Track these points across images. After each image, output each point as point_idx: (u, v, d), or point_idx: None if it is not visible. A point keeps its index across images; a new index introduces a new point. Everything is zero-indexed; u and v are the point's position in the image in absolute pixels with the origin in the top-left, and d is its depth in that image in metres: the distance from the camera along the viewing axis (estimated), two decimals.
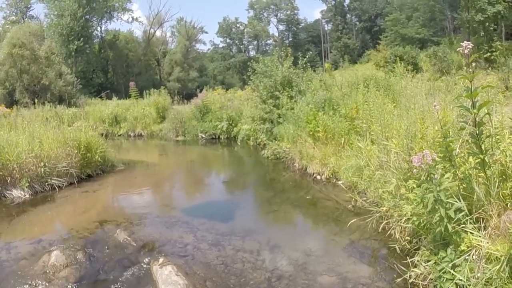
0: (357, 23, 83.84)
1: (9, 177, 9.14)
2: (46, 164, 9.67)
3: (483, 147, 4.39)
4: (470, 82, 4.31)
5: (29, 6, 60.69)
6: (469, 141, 4.65)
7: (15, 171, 9.20)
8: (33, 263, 5.56)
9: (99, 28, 59.11)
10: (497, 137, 4.71)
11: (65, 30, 48.47)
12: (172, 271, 4.94)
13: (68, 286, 4.90)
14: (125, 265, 5.54)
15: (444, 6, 55.67)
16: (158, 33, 70.76)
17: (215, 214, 8.13)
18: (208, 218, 7.56)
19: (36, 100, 23.31)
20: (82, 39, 49.62)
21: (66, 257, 5.57)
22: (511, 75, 18.74)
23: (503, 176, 4.39)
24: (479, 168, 4.47)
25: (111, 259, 5.75)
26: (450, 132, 5.23)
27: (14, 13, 59.28)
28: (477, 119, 4.38)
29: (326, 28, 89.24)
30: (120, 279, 5.11)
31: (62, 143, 10.32)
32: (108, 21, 61.19)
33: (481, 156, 4.34)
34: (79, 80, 38.53)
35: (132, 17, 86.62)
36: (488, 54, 31.05)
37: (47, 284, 4.96)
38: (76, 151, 10.49)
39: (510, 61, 21.45)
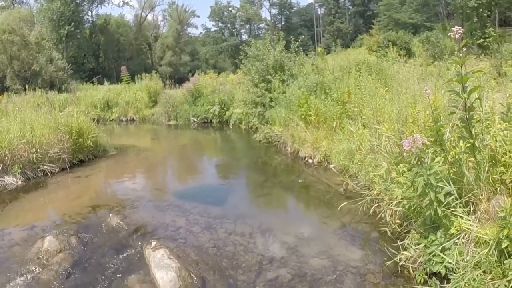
0: (350, 7, 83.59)
1: (1, 164, 9.11)
2: (38, 150, 9.64)
3: (473, 132, 4.43)
4: (461, 67, 4.33)
5: None
6: (459, 125, 4.69)
7: (7, 158, 9.17)
8: (26, 249, 5.58)
9: (89, 13, 58.44)
10: (487, 122, 4.74)
11: (55, 15, 47.86)
12: (165, 254, 4.98)
13: (62, 271, 4.93)
14: (118, 249, 5.57)
15: None
16: (149, 17, 70.08)
17: (207, 197, 8.17)
18: (200, 201, 7.61)
19: (27, 86, 23.08)
20: (72, 24, 49.05)
21: (59, 242, 5.59)
22: (503, 62, 18.76)
23: (493, 161, 4.43)
24: (469, 152, 4.51)
25: (104, 243, 5.78)
26: (441, 117, 5.26)
27: None
28: (467, 104, 4.41)
29: (319, 12, 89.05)
30: (113, 263, 5.15)
31: (54, 129, 10.29)
32: (98, 5, 60.46)
33: (471, 141, 4.38)
34: (70, 65, 38.12)
35: (123, 1, 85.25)
36: (481, 40, 30.98)
37: (41, 269, 4.99)
38: (68, 136, 10.45)
39: (503, 47, 21.48)
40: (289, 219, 6.85)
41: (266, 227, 6.18)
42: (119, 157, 12.26)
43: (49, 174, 9.68)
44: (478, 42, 30.98)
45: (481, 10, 33.59)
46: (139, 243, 5.65)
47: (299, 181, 8.85)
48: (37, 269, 4.98)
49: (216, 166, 11.97)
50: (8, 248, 5.72)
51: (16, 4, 57.62)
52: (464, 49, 4.35)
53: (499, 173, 4.29)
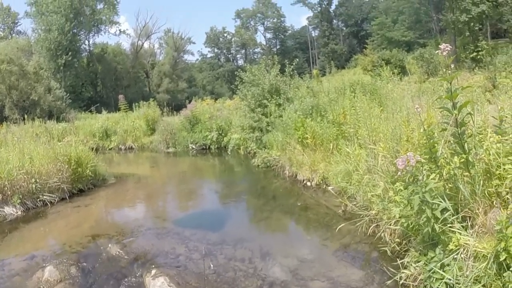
0: (344, 28, 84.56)
1: (0, 194, 9.12)
2: (37, 180, 9.64)
3: (466, 147, 4.47)
4: (450, 83, 4.39)
5: (16, 21, 60.68)
6: (452, 141, 4.73)
7: (6, 188, 9.18)
8: (27, 279, 5.57)
9: (87, 42, 58.86)
10: (480, 136, 4.79)
11: (53, 45, 48.23)
12: (165, 282, 4.98)
13: None
14: (118, 277, 5.56)
15: (429, 8, 56.05)
16: (146, 45, 70.66)
17: (206, 224, 8.17)
18: (200, 228, 7.62)
19: (25, 116, 23.26)
20: (70, 53, 49.40)
21: (59, 272, 5.59)
22: (497, 74, 18.93)
23: (488, 175, 4.47)
24: (463, 167, 4.55)
25: (104, 272, 5.77)
26: (435, 134, 5.30)
27: (1, 29, 59.24)
28: (458, 120, 4.46)
29: (313, 35, 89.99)
30: None
31: (53, 159, 10.31)
32: (95, 35, 61.22)
33: (465, 156, 4.42)
34: (68, 94, 38.45)
35: (120, 30, 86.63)
36: (474, 54, 31.29)
37: None
38: (67, 166, 10.47)
39: (496, 59, 21.67)
40: (289, 242, 6.84)
41: (266, 251, 6.18)
42: (118, 186, 12.26)
43: (48, 204, 9.67)
44: (471, 56, 31.27)
45: (472, 24, 33.93)
46: (139, 272, 5.64)
47: (298, 204, 8.85)
48: None
49: (215, 192, 11.96)
50: (8, 278, 5.70)
51: (14, 34, 58.28)
52: (453, 65, 4.42)
53: (495, 186, 4.32)
